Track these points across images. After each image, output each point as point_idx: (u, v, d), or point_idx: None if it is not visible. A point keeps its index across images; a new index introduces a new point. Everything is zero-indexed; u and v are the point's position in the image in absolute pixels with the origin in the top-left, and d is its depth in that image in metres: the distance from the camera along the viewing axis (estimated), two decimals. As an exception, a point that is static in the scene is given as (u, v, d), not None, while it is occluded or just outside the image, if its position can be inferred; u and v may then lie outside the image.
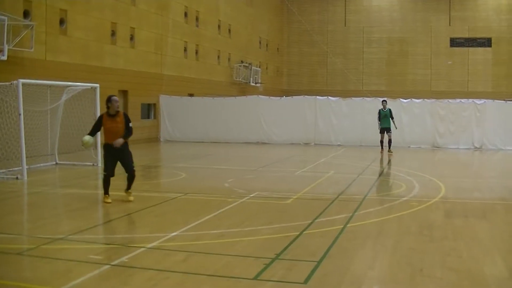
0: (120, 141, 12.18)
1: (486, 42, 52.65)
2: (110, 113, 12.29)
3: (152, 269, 7.57)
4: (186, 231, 9.78)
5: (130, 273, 7.46)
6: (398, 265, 7.98)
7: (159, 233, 9.65)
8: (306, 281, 7.16)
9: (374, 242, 9.25)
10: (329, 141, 29.95)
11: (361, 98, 31.50)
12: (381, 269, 7.88)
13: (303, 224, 10.33)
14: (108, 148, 12.30)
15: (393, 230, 10.20)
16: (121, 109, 12.86)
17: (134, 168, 12.46)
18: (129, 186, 12.56)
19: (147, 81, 31.03)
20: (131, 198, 12.45)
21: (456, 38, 53.21)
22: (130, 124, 12.44)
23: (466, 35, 52.93)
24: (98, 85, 20.04)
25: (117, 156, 12.31)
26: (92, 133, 12.58)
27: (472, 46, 52.92)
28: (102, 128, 12.41)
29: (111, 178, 12.40)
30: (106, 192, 12.46)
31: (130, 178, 12.47)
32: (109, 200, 12.35)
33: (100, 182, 16.35)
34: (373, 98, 30.43)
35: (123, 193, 12.67)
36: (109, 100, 12.30)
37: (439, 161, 24.12)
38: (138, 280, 7.15)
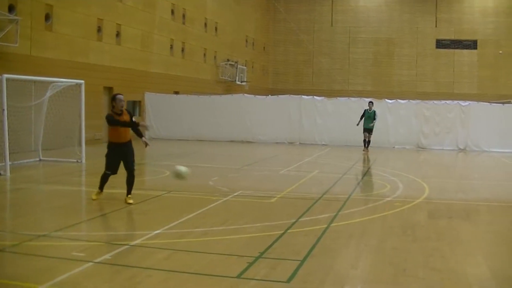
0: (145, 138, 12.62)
1: (472, 44, 52.97)
2: (116, 112, 11.95)
3: (135, 266, 7.56)
4: (169, 229, 9.76)
5: (113, 270, 7.44)
6: (381, 265, 8.01)
7: (142, 231, 9.64)
8: (289, 280, 7.17)
9: (357, 242, 9.29)
10: (314, 141, 30.00)
11: (347, 98, 31.61)
12: (364, 269, 7.91)
13: (287, 223, 10.34)
14: (113, 147, 12.08)
15: (377, 230, 10.24)
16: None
17: (135, 168, 12.19)
18: (129, 191, 12.17)
19: (133, 78, 30.91)
20: (131, 201, 12.04)
21: (442, 40, 53.50)
22: (134, 119, 12.27)
23: (452, 37, 53.23)
24: (83, 81, 19.94)
25: (121, 156, 12.09)
26: (122, 126, 11.93)
27: (458, 48, 53.23)
28: (108, 126, 12.08)
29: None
30: (101, 188, 12.29)
31: (130, 181, 12.11)
32: (97, 197, 12.24)
33: (83, 179, 16.46)
34: (358, 98, 30.53)
35: (109, 191, 12.58)
36: (113, 98, 12.03)
37: (423, 162, 24.23)
38: (121, 278, 7.13)
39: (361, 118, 25.77)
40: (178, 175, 11.34)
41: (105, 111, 24.52)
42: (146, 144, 12.54)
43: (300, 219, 10.79)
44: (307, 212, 11.55)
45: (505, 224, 11.45)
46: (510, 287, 7.39)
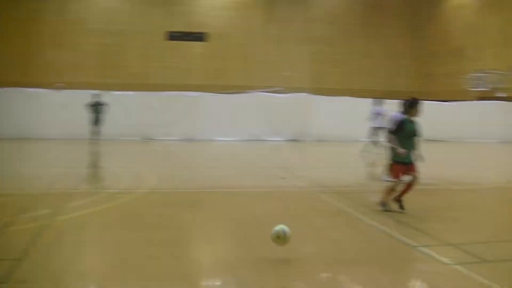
0: None
1: (202, 36, 54.89)
2: None
3: None
4: None
5: None
6: (103, 257, 8.12)
7: None
8: (5, 280, 6.95)
9: (79, 236, 9.21)
10: (40, 135, 28.66)
11: (75, 90, 31.06)
12: (84, 263, 7.91)
13: (2, 222, 9.89)
14: None
15: (99, 222, 10.26)
16: None
17: None
18: None
19: None
20: None
21: (174, 32, 54.73)
22: None
23: (183, 29, 54.71)
24: None
25: None
26: None
27: (189, 40, 54.85)
28: None
29: None
30: None
31: None
32: None
33: None
34: (87, 91, 29.92)
35: None
36: None
37: (151, 153, 24.61)
38: None
39: (90, 110, 25.52)
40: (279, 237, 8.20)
41: None
42: None
43: (19, 216, 10.40)
44: (26, 209, 11.08)
45: (229, 211, 11.81)
46: (230, 272, 7.70)
